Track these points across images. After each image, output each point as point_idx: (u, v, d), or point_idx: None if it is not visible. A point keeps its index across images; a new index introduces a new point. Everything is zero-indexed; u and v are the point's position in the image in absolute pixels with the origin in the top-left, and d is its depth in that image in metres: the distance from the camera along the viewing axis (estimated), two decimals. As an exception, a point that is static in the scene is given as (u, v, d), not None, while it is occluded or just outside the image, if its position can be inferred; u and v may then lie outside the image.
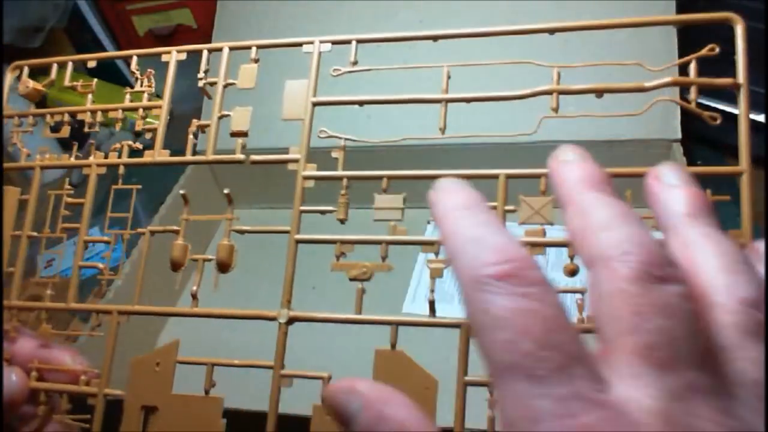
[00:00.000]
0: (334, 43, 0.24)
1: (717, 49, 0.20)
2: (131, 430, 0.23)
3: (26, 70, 0.28)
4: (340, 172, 0.23)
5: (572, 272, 0.20)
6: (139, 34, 0.90)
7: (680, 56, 0.60)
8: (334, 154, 0.23)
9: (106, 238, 0.25)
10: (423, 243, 0.22)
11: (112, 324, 0.24)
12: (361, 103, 0.24)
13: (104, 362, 0.24)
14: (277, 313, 0.22)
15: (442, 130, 0.23)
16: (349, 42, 0.24)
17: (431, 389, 0.21)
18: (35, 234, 0.26)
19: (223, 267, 0.24)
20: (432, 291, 0.21)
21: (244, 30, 0.68)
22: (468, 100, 0.23)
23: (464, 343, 0.21)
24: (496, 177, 0.22)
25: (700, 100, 0.74)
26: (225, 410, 0.22)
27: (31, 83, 0.27)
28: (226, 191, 0.24)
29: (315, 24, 0.63)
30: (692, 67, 0.20)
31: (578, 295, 0.20)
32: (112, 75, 0.87)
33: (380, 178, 0.23)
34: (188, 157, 0.25)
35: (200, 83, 0.25)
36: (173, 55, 0.26)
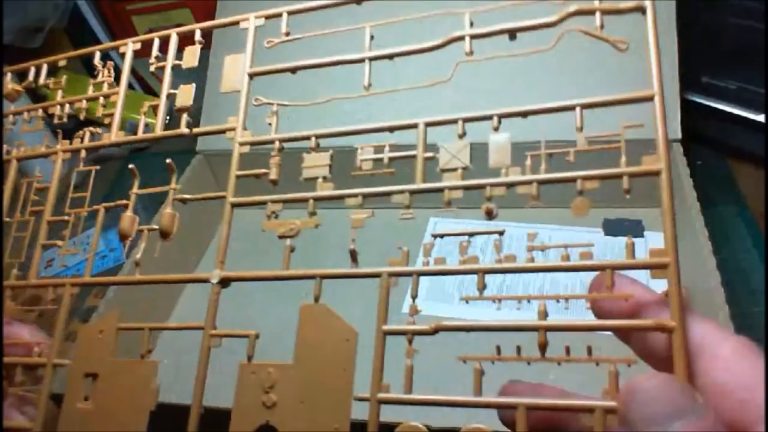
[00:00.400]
0: (267, 17, 0.25)
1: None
2: (74, 396, 0.23)
3: (9, 75, 0.30)
4: (272, 136, 0.23)
5: (489, 213, 0.20)
6: (139, 35, 0.91)
7: (681, 50, 0.58)
8: (267, 120, 0.24)
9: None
10: (346, 196, 0.22)
11: (65, 294, 0.25)
12: (293, 70, 0.24)
13: (56, 332, 0.25)
14: (209, 274, 0.22)
15: (366, 87, 0.23)
16: (280, 15, 0.25)
17: (351, 341, 0.20)
18: (8, 219, 0.28)
19: (165, 235, 0.24)
20: (353, 240, 0.21)
21: (243, 30, 0.69)
22: (390, 56, 0.23)
23: (384, 292, 0.20)
24: (415, 126, 0.22)
25: (701, 101, 0.71)
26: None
27: (10, 84, 0.30)
28: (168, 161, 0.25)
29: (315, 23, 0.63)
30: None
31: (496, 236, 0.20)
32: (113, 76, 0.92)
33: (309, 138, 0.23)
34: (139, 136, 0.26)
35: (151, 68, 0.27)
36: (129, 46, 0.28)
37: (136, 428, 0.22)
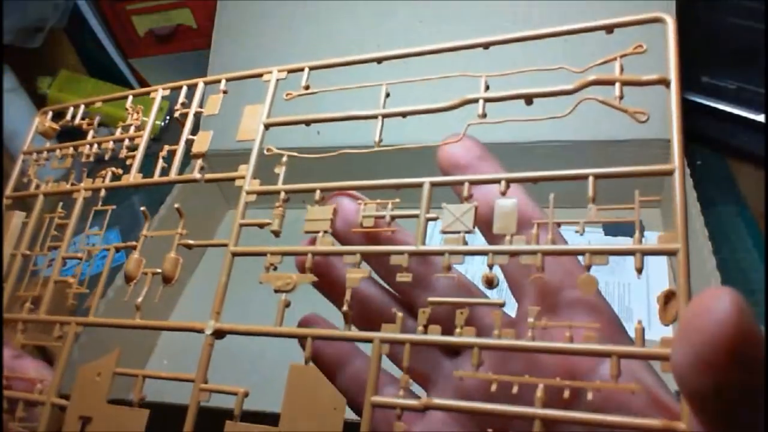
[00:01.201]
0: (289, 71, 0.25)
1: (644, 47, 0.19)
2: (67, 439, 0.23)
3: (50, 114, 0.32)
4: (278, 186, 0.23)
5: (490, 282, 0.19)
6: (139, 34, 0.88)
7: (680, 27, 0.56)
8: (276, 170, 0.24)
9: (79, 254, 0.27)
10: (345, 253, 0.21)
11: (70, 333, 0.25)
12: (308, 123, 0.24)
13: (56, 370, 0.25)
14: (204, 324, 0.22)
15: (377, 143, 0.22)
16: (302, 69, 0.25)
17: (339, 410, 0.19)
18: (28, 253, 0.28)
19: (167, 279, 0.24)
20: (347, 301, 0.20)
21: (243, 30, 0.68)
22: (403, 114, 0.22)
23: (375, 358, 0.19)
24: (420, 185, 0.21)
25: (701, 101, 0.69)
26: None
27: (47, 123, 0.31)
28: (176, 206, 0.25)
29: (315, 24, 0.62)
30: (617, 65, 0.19)
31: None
32: (113, 76, 0.89)
33: (314, 190, 0.23)
34: (155, 179, 0.26)
35: (176, 114, 0.27)
36: (159, 93, 0.28)
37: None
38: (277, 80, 0.25)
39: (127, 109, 0.29)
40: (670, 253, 0.17)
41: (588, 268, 0.18)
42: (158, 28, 0.86)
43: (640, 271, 0.17)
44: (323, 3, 0.65)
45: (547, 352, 0.17)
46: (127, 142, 0.28)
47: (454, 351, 0.22)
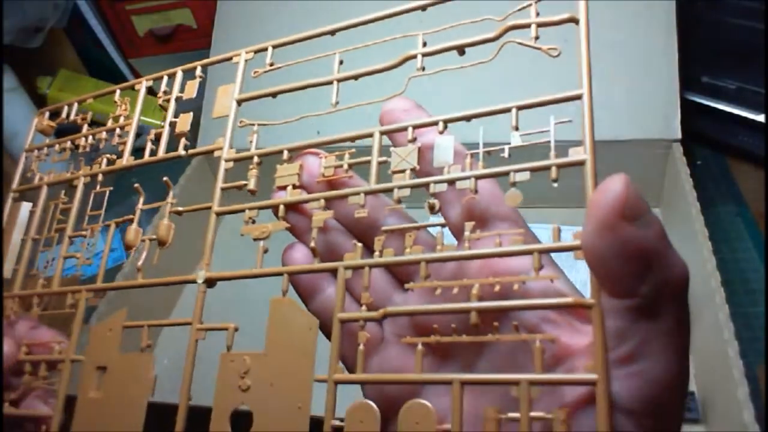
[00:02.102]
0: (255, 52, 0.28)
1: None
2: (86, 387, 0.26)
3: (47, 113, 0.35)
4: (251, 152, 0.26)
5: (432, 208, 0.22)
6: (139, 34, 0.88)
7: (681, 50, 0.58)
8: (248, 138, 0.27)
9: (83, 233, 0.30)
10: (310, 200, 0.24)
11: (81, 300, 0.28)
12: (275, 95, 0.27)
13: (73, 333, 0.28)
14: (195, 276, 0.25)
15: (334, 105, 0.25)
16: (266, 49, 0.28)
17: (313, 330, 0.22)
18: (37, 236, 0.32)
19: (162, 243, 0.27)
20: (314, 239, 0.23)
21: (243, 30, 0.70)
22: (355, 77, 0.25)
23: (341, 284, 0.22)
24: (371, 135, 0.24)
25: (701, 101, 0.71)
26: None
27: (46, 121, 0.34)
28: (165, 179, 0.28)
29: (315, 23, 0.65)
30: (532, 9, 0.22)
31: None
32: (113, 76, 0.91)
33: (282, 151, 0.26)
34: (145, 159, 0.30)
35: (159, 101, 0.30)
36: (143, 84, 0.32)
37: (138, 412, 0.24)
38: (246, 60, 0.29)
39: (116, 102, 0.33)
40: (579, 164, 0.20)
41: (513, 184, 0.21)
42: (158, 28, 0.87)
43: (555, 181, 0.20)
44: (324, 3, 0.66)
45: (482, 257, 0.20)
46: (118, 131, 0.32)
47: (404, 287, 0.24)
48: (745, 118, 0.62)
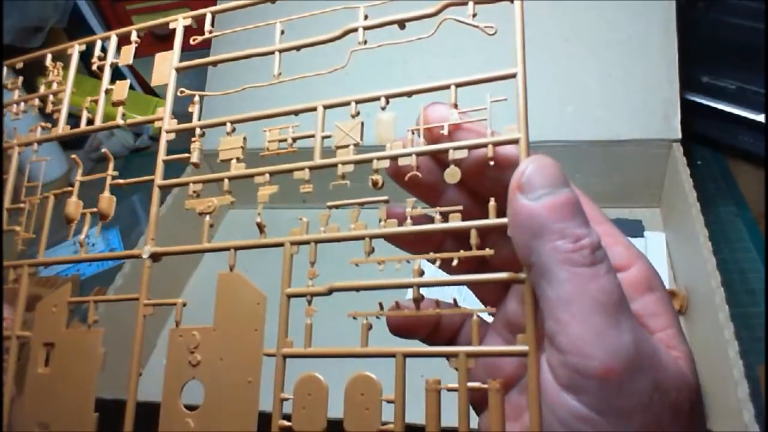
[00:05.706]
0: (193, 17, 0.27)
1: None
2: (36, 363, 0.26)
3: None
4: (194, 123, 0.26)
5: (375, 184, 0.22)
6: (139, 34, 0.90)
7: (681, 50, 0.59)
8: (189, 109, 0.26)
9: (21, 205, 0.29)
10: (254, 174, 0.24)
11: (23, 275, 0.28)
12: (215, 63, 0.27)
13: (17, 309, 0.28)
14: (141, 251, 0.25)
15: (276, 76, 0.25)
16: (205, 15, 0.27)
17: (261, 304, 0.23)
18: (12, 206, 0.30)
19: (104, 216, 0.27)
20: (259, 214, 0.23)
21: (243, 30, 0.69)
22: (297, 48, 0.25)
23: (287, 259, 0.23)
24: (315, 109, 0.24)
25: (701, 101, 0.70)
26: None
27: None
28: (104, 150, 0.27)
29: (315, 23, 0.64)
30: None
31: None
32: (113, 75, 0.89)
33: (225, 123, 0.25)
34: (82, 128, 0.29)
35: (93, 66, 0.29)
36: (75, 48, 0.30)
37: (88, 386, 0.25)
38: (184, 27, 0.28)
39: (47, 67, 0.31)
40: (514, 142, 0.20)
41: (454, 161, 0.21)
42: (158, 27, 0.86)
43: (491, 160, 0.21)
44: (323, 4, 0.64)
45: (421, 232, 0.21)
46: (51, 97, 0.30)
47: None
48: (745, 118, 0.62)
